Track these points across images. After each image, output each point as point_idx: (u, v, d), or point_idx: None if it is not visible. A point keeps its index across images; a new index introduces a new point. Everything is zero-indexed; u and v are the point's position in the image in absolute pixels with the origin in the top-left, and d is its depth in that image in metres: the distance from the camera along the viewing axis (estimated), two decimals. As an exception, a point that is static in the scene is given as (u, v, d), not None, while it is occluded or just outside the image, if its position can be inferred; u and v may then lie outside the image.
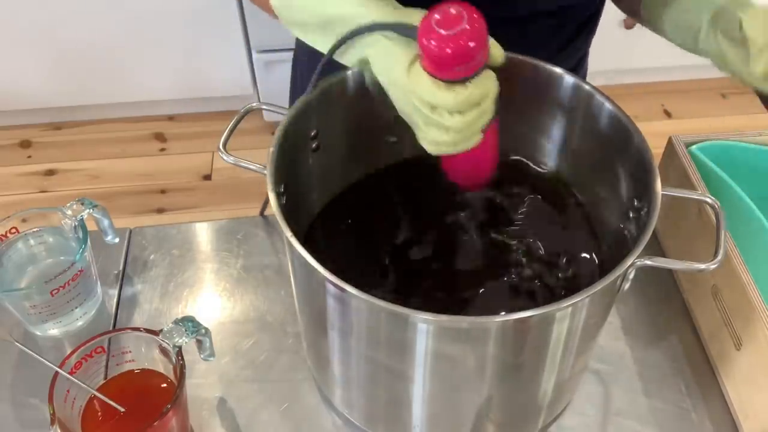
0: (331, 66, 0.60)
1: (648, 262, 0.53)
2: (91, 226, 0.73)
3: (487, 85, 0.52)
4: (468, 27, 0.49)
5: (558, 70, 0.66)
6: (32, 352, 0.59)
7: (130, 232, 0.85)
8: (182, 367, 0.61)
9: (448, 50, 0.49)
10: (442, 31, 0.49)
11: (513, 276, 0.67)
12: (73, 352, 0.61)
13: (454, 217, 0.72)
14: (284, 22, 0.61)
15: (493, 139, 0.60)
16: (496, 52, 0.54)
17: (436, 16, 0.49)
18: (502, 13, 0.74)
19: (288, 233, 0.53)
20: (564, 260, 0.68)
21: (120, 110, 2.17)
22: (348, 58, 0.58)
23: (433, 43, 0.49)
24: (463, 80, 0.51)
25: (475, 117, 0.52)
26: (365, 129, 0.70)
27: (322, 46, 0.59)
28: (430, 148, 0.55)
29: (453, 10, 0.49)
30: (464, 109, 0.51)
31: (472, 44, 0.49)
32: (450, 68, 0.50)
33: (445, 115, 0.51)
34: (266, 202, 0.74)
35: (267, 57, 1.99)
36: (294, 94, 0.94)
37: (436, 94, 0.51)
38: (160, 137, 2.16)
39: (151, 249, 0.83)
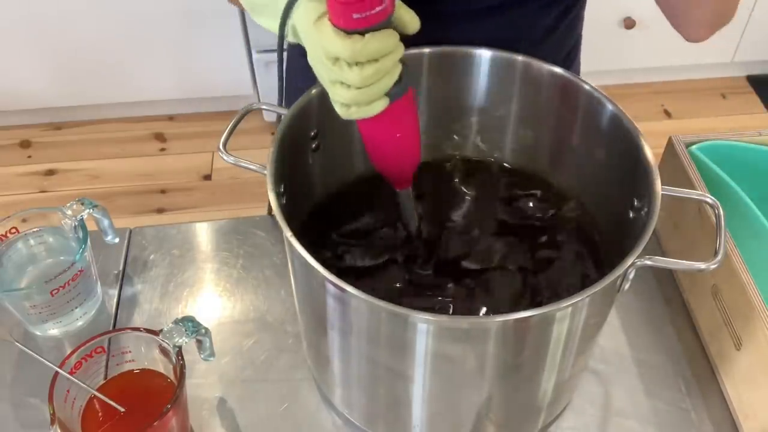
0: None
1: (648, 262, 0.53)
2: (91, 226, 0.73)
3: (386, 40, 0.53)
4: None
5: (558, 69, 0.66)
6: (32, 352, 0.59)
7: (130, 232, 0.85)
8: (182, 367, 0.61)
9: None
10: None
11: (513, 276, 0.67)
12: (73, 352, 0.61)
13: (454, 217, 0.72)
14: (248, 9, 0.64)
15: (410, 118, 0.61)
16: (409, 18, 0.56)
17: None
18: (480, 4, 0.74)
19: (288, 233, 0.53)
20: (564, 260, 0.68)
21: (120, 110, 2.17)
22: (291, 32, 0.60)
23: None
24: (362, 31, 0.52)
25: (372, 72, 0.53)
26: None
27: (275, 27, 0.61)
28: (340, 111, 0.56)
29: None
30: (361, 59, 0.52)
31: None
32: (347, 14, 0.51)
33: (344, 68, 0.53)
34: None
35: (267, 57, 1.99)
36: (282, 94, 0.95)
37: (334, 42, 0.52)
38: (160, 137, 2.16)
39: (151, 249, 0.83)
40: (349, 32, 0.51)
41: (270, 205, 0.83)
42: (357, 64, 0.52)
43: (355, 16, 0.51)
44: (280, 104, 0.68)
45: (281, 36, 0.61)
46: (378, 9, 0.51)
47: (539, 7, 0.78)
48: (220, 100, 2.16)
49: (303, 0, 0.56)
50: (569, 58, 0.88)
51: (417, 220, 0.68)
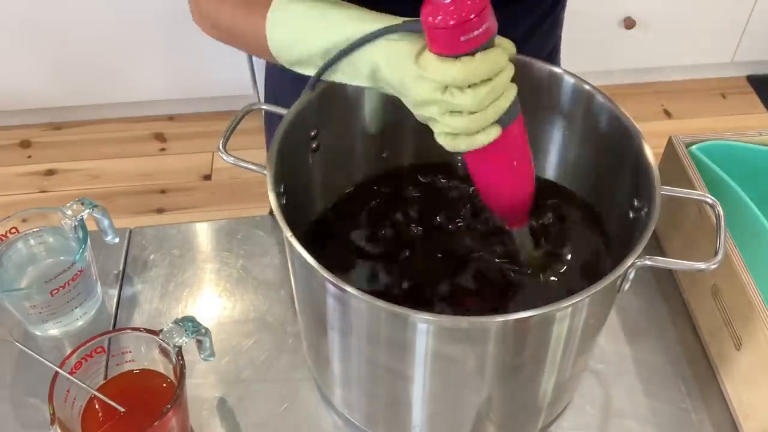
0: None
1: (648, 262, 0.53)
2: (91, 226, 0.73)
3: (497, 58, 0.51)
4: None
5: (558, 69, 0.66)
6: (32, 352, 0.59)
7: (130, 232, 0.85)
8: (182, 367, 0.61)
9: (451, 19, 0.49)
10: (443, 2, 0.49)
11: (514, 276, 0.67)
12: (73, 352, 0.61)
13: (454, 217, 0.72)
14: (285, 62, 0.61)
15: (522, 145, 0.58)
16: (508, 44, 0.54)
17: None
18: None
19: (288, 233, 0.53)
20: (564, 260, 0.68)
21: (120, 110, 2.17)
22: (345, 76, 0.58)
23: (438, 17, 0.49)
24: (470, 53, 0.50)
25: (486, 93, 0.51)
26: (365, 129, 0.70)
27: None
28: (448, 142, 0.54)
29: None
30: (474, 80, 0.51)
31: (473, 10, 0.49)
32: (454, 38, 0.50)
33: (456, 94, 0.51)
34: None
35: (267, 57, 1.99)
36: (268, 92, 0.94)
37: (443, 69, 0.50)
38: (160, 137, 2.16)
39: (151, 249, 0.83)
40: (456, 57, 0.50)
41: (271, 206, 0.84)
42: (470, 86, 0.51)
43: (462, 38, 0.50)
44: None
45: (317, 78, 0.59)
46: (484, 27, 0.50)
47: (522, 9, 0.78)
48: (220, 100, 2.16)
49: (382, 41, 0.54)
50: (550, 57, 0.89)
51: (533, 260, 0.66)
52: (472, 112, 0.52)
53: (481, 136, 0.53)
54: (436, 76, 0.51)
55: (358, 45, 0.55)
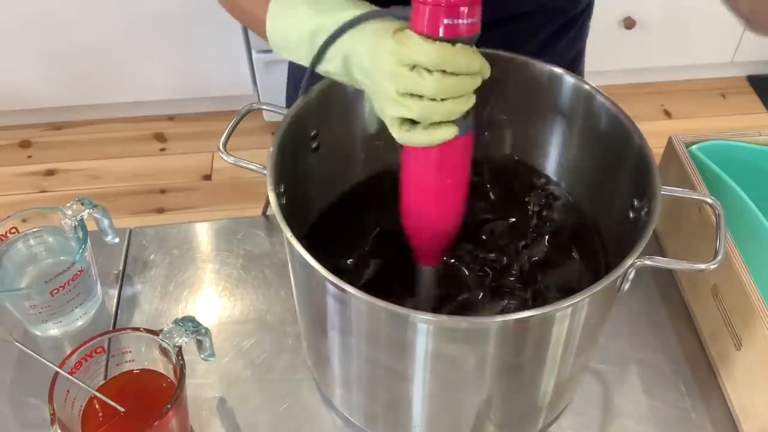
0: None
1: (648, 262, 0.53)
2: (91, 226, 0.73)
3: (474, 57, 0.51)
4: None
5: (558, 69, 0.66)
6: (32, 352, 0.59)
7: (130, 232, 0.85)
8: (182, 367, 0.61)
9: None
10: None
11: (514, 277, 0.67)
12: (73, 352, 0.61)
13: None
14: (273, 47, 0.61)
15: (464, 166, 0.57)
16: (485, 65, 0.54)
17: None
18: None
19: (288, 233, 0.53)
20: (564, 260, 0.68)
21: (120, 110, 2.17)
22: (331, 63, 0.57)
23: None
24: (450, 41, 0.50)
25: (451, 84, 0.51)
26: (365, 129, 0.70)
27: (307, 59, 0.58)
28: (402, 133, 0.53)
29: None
30: (447, 67, 0.50)
31: None
32: (437, 16, 0.49)
33: (423, 74, 0.50)
34: (268, 202, 0.74)
35: (267, 57, 1.99)
36: (290, 97, 0.95)
37: (419, 45, 0.50)
38: (160, 137, 2.16)
39: (151, 249, 0.83)
40: (435, 40, 0.50)
41: (265, 207, 0.84)
42: (438, 70, 0.50)
43: (445, 21, 0.49)
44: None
45: (312, 69, 0.58)
46: (469, 21, 0.50)
47: (535, 23, 0.78)
48: (220, 100, 2.16)
49: (363, 25, 0.54)
50: (573, 63, 0.88)
51: (431, 304, 0.64)
52: (431, 99, 0.51)
53: (437, 132, 0.53)
54: (410, 49, 0.51)
55: (347, 27, 0.55)
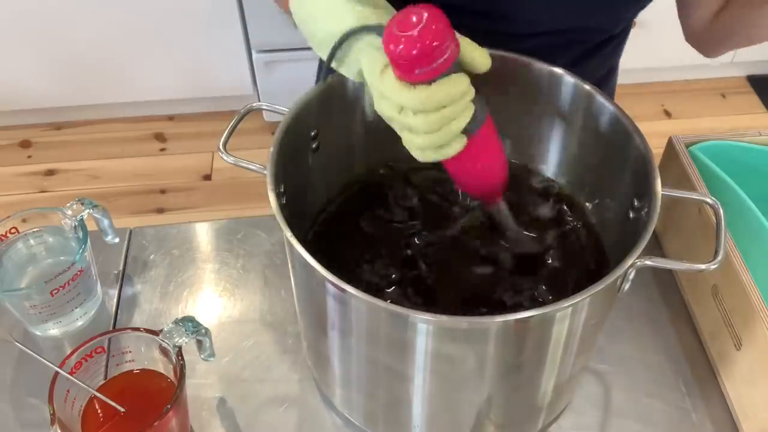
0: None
1: (648, 262, 0.53)
2: (91, 226, 0.73)
3: (453, 87, 0.52)
4: (425, 30, 0.49)
5: (558, 70, 0.66)
6: (32, 352, 0.59)
7: (130, 232, 0.85)
8: (182, 367, 0.61)
9: (406, 52, 0.49)
10: (401, 34, 0.49)
11: (513, 275, 0.67)
12: (73, 352, 0.61)
13: (454, 218, 0.72)
14: (302, 33, 0.62)
15: (492, 145, 0.60)
16: (479, 56, 0.55)
17: (398, 18, 0.50)
18: (500, 28, 0.74)
19: (288, 233, 0.53)
20: (564, 260, 0.68)
21: (120, 110, 2.17)
22: (347, 69, 0.58)
23: (392, 46, 0.50)
24: (428, 82, 0.51)
25: (437, 118, 0.52)
26: (365, 129, 0.70)
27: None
28: (415, 154, 0.55)
29: (413, 13, 0.49)
30: (427, 109, 0.52)
31: (431, 44, 0.49)
32: (410, 70, 0.50)
33: (410, 116, 0.52)
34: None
35: (267, 57, 1.99)
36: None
37: (399, 93, 0.52)
38: (160, 137, 2.16)
39: (151, 249, 0.83)
40: (414, 84, 0.51)
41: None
42: (423, 111, 0.52)
43: (417, 71, 0.50)
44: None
45: (328, 68, 0.59)
46: (440, 61, 0.50)
47: (567, 39, 0.78)
48: (220, 100, 2.16)
49: (366, 43, 0.55)
50: (607, 76, 0.88)
51: (516, 228, 0.67)
52: (426, 133, 0.53)
53: (445, 149, 0.55)
54: (392, 97, 0.52)
55: (341, 42, 0.55)
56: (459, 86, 0.52)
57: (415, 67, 0.50)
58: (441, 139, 0.53)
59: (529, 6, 0.73)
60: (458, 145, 0.55)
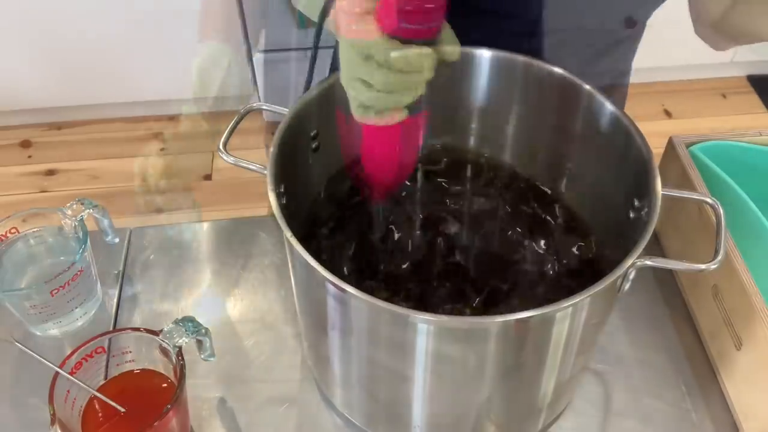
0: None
1: (648, 262, 0.53)
2: (91, 226, 0.73)
3: (424, 59, 0.53)
4: None
5: (558, 69, 0.66)
6: (32, 352, 0.59)
7: (130, 232, 0.85)
8: (182, 367, 0.61)
9: (402, 1, 0.50)
10: None
11: (513, 276, 0.67)
12: (73, 352, 0.61)
13: (454, 218, 0.72)
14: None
15: (416, 137, 0.61)
16: (450, 49, 0.55)
17: None
18: (515, 27, 0.74)
19: (288, 233, 0.53)
20: (564, 261, 0.68)
21: (120, 110, 2.17)
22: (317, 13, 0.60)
23: None
24: (404, 41, 0.52)
25: (398, 81, 0.53)
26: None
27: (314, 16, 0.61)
28: (357, 112, 0.56)
29: None
30: (394, 65, 0.52)
31: (427, 5, 0.50)
32: (395, 20, 0.51)
33: (373, 67, 0.53)
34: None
35: (267, 57, 1.99)
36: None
37: (376, 40, 0.52)
38: (160, 137, 2.16)
39: (151, 249, 0.83)
40: (391, 37, 0.52)
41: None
42: (387, 67, 0.52)
43: (403, 24, 0.51)
44: (307, 87, 0.68)
45: (320, 26, 0.61)
46: (425, 26, 0.51)
47: (577, 39, 0.78)
48: (220, 100, 2.16)
49: None
50: (621, 75, 0.88)
51: (383, 230, 0.69)
52: (379, 91, 0.54)
53: (386, 115, 0.55)
54: (364, 41, 0.52)
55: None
56: (429, 59, 0.53)
57: (402, 19, 0.50)
58: (389, 101, 0.54)
59: (535, 4, 0.73)
60: (399, 116, 0.55)
